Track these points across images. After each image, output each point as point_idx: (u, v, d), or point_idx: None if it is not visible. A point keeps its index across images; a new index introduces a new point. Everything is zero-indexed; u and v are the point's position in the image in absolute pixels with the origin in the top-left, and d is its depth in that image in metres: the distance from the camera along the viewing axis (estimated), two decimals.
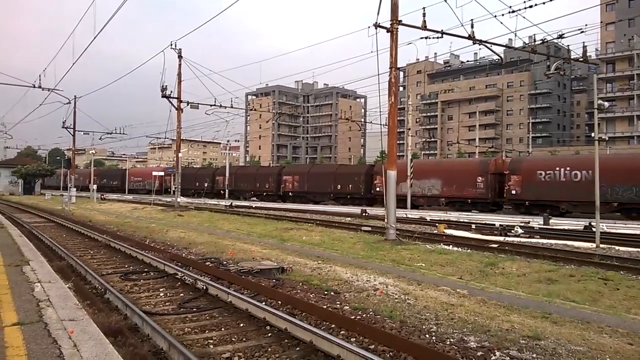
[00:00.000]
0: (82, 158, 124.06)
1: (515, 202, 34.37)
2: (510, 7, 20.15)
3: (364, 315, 7.63)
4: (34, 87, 33.33)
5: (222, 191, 57.73)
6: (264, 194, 53.39)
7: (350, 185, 45.38)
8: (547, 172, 32.50)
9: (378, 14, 16.90)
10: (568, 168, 31.79)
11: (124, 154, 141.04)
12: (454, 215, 29.81)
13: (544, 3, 19.80)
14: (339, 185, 46.26)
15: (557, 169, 32.17)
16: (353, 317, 7.47)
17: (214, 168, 72.37)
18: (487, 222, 24.53)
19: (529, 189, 33.04)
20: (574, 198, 30.89)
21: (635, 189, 28.81)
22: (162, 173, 54.10)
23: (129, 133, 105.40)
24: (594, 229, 17.66)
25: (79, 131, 49.71)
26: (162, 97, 33.85)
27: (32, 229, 20.82)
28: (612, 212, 29.51)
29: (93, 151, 63.96)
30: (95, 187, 54.58)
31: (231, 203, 42.36)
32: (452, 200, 37.83)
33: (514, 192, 33.65)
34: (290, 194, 50.54)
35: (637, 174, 29.13)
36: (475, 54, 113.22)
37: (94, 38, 21.90)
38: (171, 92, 34.20)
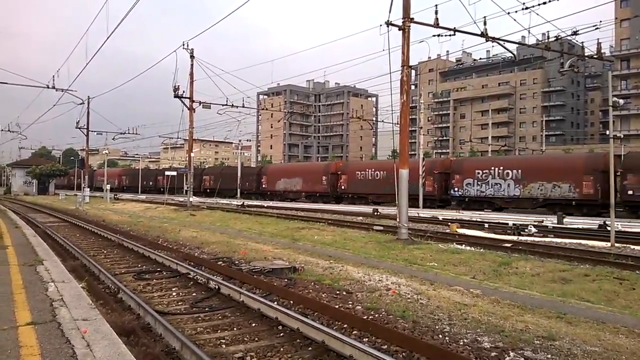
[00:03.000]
0: (95, 158, 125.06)
1: (344, 195, 46.42)
2: (524, 3, 20.00)
3: (376, 315, 7.60)
4: (48, 87, 33.71)
5: (162, 189, 66.83)
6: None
7: (247, 183, 57.32)
8: (362, 172, 44.52)
9: (390, 12, 16.83)
10: (373, 169, 44.03)
11: (137, 154, 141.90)
12: (466, 215, 29.67)
13: None
14: (240, 183, 57.71)
15: (367, 170, 44.40)
16: (365, 317, 7.45)
17: (158, 169, 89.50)
18: (500, 221, 24.36)
19: (351, 185, 45.34)
20: (376, 191, 42.54)
21: (410, 185, 36.16)
22: (174, 173, 54.47)
23: (142, 133, 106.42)
24: (608, 228, 17.46)
25: (92, 131, 50.29)
26: (175, 97, 33.99)
27: (46, 229, 21.01)
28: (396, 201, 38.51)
29: (106, 151, 64.42)
30: (108, 187, 54.97)
31: (243, 203, 42.48)
32: (308, 194, 50.14)
33: (343, 187, 45.96)
34: (208, 190, 61.23)
35: (412, 173, 38.20)
36: (488, 51, 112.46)
37: (107, 38, 22.07)
38: (183, 92, 34.35)
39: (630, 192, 29.77)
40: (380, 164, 49.06)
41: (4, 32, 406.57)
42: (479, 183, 36.26)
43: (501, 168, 35.56)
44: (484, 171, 36.09)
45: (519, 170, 34.65)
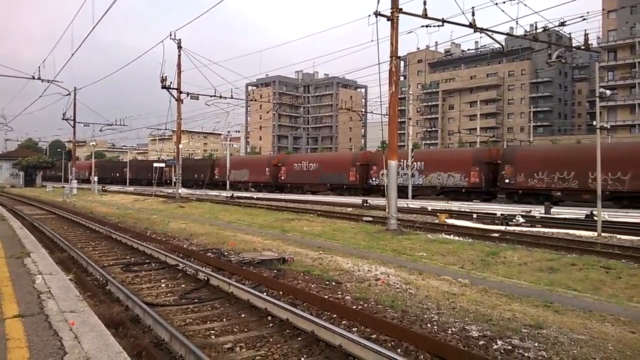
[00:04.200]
0: (82, 150, 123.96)
1: (283, 185, 50.86)
2: None
3: (365, 305, 7.63)
4: (34, 78, 33.24)
5: (127, 180, 75.84)
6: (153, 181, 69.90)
7: (202, 175, 60.21)
8: (298, 164, 49.62)
9: (378, 2, 16.83)
10: (307, 161, 49.45)
11: (125, 146, 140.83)
12: (455, 205, 29.83)
13: None
14: (196, 175, 61.48)
15: (303, 162, 49.61)
16: (355, 307, 7.47)
17: (123, 162, 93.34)
18: (489, 211, 24.53)
19: (290, 176, 50.06)
20: (310, 181, 48.03)
21: (337, 175, 45.37)
22: (163, 165, 54.67)
23: (130, 124, 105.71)
24: (595, 218, 17.63)
25: (79, 123, 49.72)
26: (162, 88, 33.73)
27: (33, 221, 20.83)
28: (327, 190, 46.21)
29: (93, 143, 63.91)
30: (96, 178, 54.62)
31: (232, 194, 42.39)
32: (254, 184, 54.62)
33: (282, 178, 50.77)
34: (167, 181, 64.09)
35: (339, 165, 45.91)
36: (476, 42, 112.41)
37: (93, 28, 21.81)
38: (171, 83, 34.07)
39: (507, 181, 33.90)
40: (314, 156, 56.93)
41: None
42: None
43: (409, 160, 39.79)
44: None
45: (422, 163, 39.37)
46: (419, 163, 39.21)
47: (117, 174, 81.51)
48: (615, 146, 36.81)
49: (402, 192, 37.91)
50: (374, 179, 42.30)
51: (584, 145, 39.74)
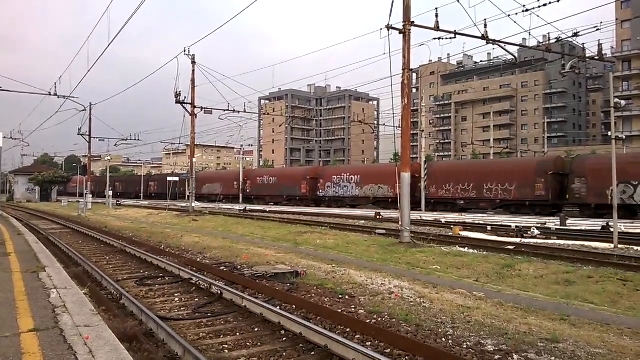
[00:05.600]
0: (98, 164, 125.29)
1: (248, 197, 56.12)
2: (524, 5, 20.03)
3: (379, 319, 7.57)
4: (50, 95, 33.72)
5: (119, 193, 79.19)
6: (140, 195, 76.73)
7: (182, 188, 62.52)
8: (261, 178, 55.69)
9: (390, 15, 16.85)
10: (268, 175, 55.85)
11: (139, 160, 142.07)
12: (469, 217, 29.63)
13: (558, 1, 19.68)
14: (182, 188, 63.44)
15: (264, 176, 55.82)
16: (368, 320, 7.42)
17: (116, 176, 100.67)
18: (503, 223, 24.31)
19: (254, 189, 55.79)
20: (271, 193, 53.51)
21: (291, 188, 50.50)
22: (176, 179, 55.26)
23: (144, 139, 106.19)
24: (611, 230, 17.41)
25: (94, 138, 50.29)
26: (176, 102, 34.03)
27: (48, 236, 21.02)
28: (284, 201, 50.99)
29: (108, 158, 64.54)
30: (111, 193, 55.09)
31: (245, 207, 42.52)
32: (225, 196, 58.76)
33: (248, 190, 56.66)
34: (152, 195, 71.68)
35: (293, 178, 51.71)
36: (489, 54, 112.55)
37: (109, 45, 22.13)
38: (185, 97, 34.38)
39: (427, 192, 38.51)
40: (272, 171, 64.50)
41: (7, 40, 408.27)
42: (335, 186, 46.25)
43: (348, 174, 45.69)
44: (338, 176, 46.24)
45: (359, 176, 44.46)
46: (356, 176, 44.57)
47: (110, 188, 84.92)
48: (504, 161, 44.12)
49: (340, 202, 45.89)
50: (320, 190, 47.64)
51: (480, 161, 48.13)
